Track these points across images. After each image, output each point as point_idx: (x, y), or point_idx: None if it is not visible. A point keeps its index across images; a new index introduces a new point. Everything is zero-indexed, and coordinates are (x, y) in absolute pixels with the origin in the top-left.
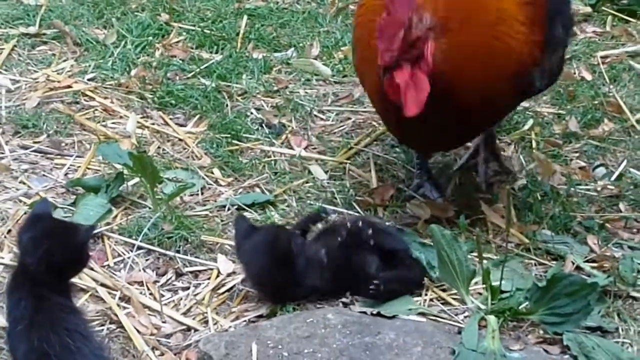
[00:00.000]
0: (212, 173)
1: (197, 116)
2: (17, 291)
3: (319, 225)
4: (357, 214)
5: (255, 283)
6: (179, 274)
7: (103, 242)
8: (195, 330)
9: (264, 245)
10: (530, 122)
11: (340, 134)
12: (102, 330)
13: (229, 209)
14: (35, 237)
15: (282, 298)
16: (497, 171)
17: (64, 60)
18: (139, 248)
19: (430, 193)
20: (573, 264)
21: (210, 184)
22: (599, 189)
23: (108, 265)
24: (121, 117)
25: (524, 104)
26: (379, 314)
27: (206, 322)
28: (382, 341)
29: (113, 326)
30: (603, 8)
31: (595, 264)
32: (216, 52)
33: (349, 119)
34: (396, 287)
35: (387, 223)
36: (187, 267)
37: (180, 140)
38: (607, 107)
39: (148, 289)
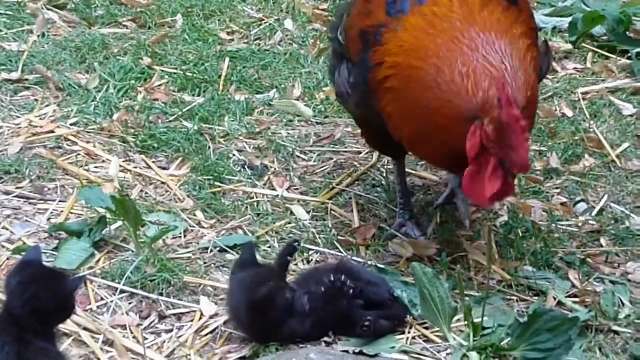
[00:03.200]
0: (195, 215)
1: (180, 159)
2: (1, 335)
3: (301, 267)
4: (339, 254)
5: (232, 318)
6: (162, 317)
7: (86, 286)
8: None
9: (245, 284)
10: None
11: (323, 174)
12: None
13: (211, 251)
14: (23, 282)
15: (260, 338)
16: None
17: (47, 106)
18: (122, 292)
19: (412, 232)
20: (555, 299)
21: (193, 227)
22: (580, 224)
23: (91, 309)
24: (104, 161)
25: None
26: (361, 353)
27: None
28: None
29: None
30: (584, 45)
31: (577, 299)
32: (198, 95)
33: (331, 159)
34: (386, 325)
35: (368, 262)
36: (170, 309)
37: (162, 183)
38: (588, 142)
39: (131, 333)
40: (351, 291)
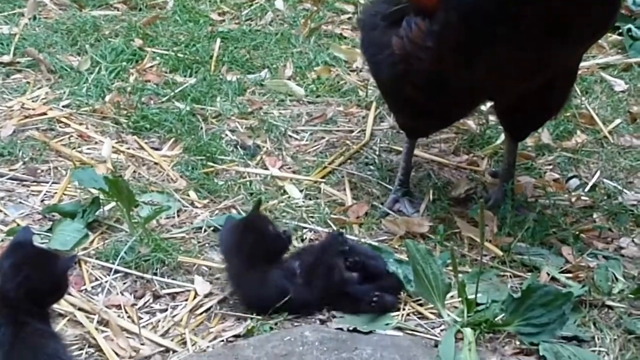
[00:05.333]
0: (188, 195)
1: (172, 139)
2: None
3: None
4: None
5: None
6: (156, 297)
7: (80, 266)
8: (174, 351)
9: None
10: (503, 136)
11: (315, 153)
12: (81, 354)
13: (205, 231)
14: (15, 264)
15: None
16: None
17: (39, 88)
18: (116, 272)
19: (405, 208)
20: (548, 275)
21: (186, 207)
22: (573, 200)
23: (85, 289)
24: (96, 142)
25: (496, 118)
26: (355, 330)
27: (184, 343)
28: (359, 357)
29: (92, 350)
30: None
31: (570, 275)
32: (190, 76)
33: (323, 138)
34: (390, 300)
35: (362, 240)
36: (164, 289)
37: (155, 163)
38: (579, 119)
39: (126, 312)
40: (344, 249)
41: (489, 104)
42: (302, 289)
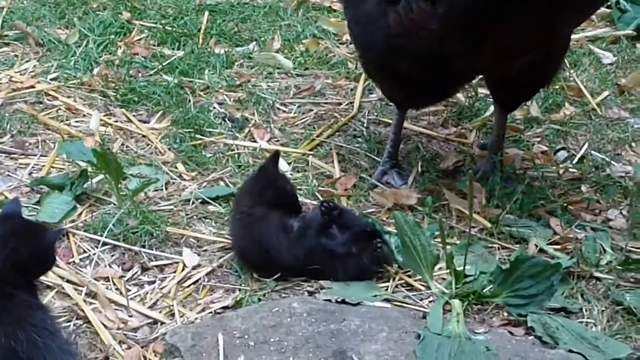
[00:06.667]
0: (176, 168)
1: (160, 112)
2: None
3: None
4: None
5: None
6: (144, 269)
7: (68, 239)
8: (162, 323)
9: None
10: (492, 108)
11: (303, 126)
12: (69, 326)
13: (193, 203)
14: (3, 236)
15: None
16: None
17: (27, 61)
18: (104, 244)
19: (393, 180)
20: (536, 246)
21: (175, 179)
22: (561, 172)
23: (74, 261)
24: (84, 115)
25: (485, 90)
26: (344, 302)
27: (172, 314)
28: (348, 328)
29: (80, 322)
30: None
31: (558, 246)
32: (178, 49)
33: (311, 110)
34: (386, 250)
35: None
36: (152, 261)
37: (143, 136)
38: (568, 91)
39: (114, 284)
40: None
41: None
42: (294, 245)
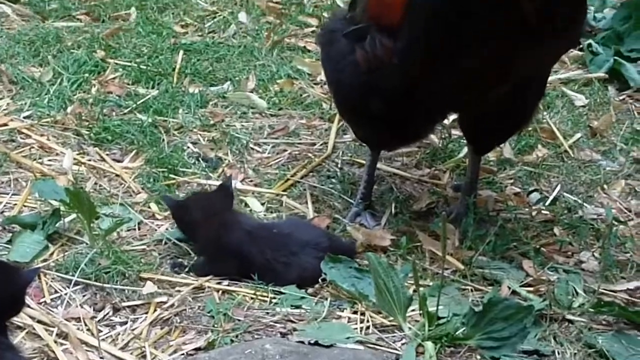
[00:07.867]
0: (149, 207)
1: (134, 151)
2: None
3: None
4: None
5: None
6: (116, 309)
7: (40, 279)
8: None
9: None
10: (465, 149)
11: (277, 166)
12: None
13: (165, 243)
14: None
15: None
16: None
17: (0, 99)
18: (76, 284)
19: (367, 221)
20: (509, 288)
21: (148, 219)
22: (533, 214)
23: (45, 302)
24: (57, 154)
25: (458, 132)
26: (316, 343)
27: (144, 356)
28: None
29: None
30: None
31: (531, 288)
32: (152, 88)
33: (285, 150)
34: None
35: None
36: (124, 301)
37: (116, 175)
38: (540, 133)
39: (85, 325)
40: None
41: (452, 117)
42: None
